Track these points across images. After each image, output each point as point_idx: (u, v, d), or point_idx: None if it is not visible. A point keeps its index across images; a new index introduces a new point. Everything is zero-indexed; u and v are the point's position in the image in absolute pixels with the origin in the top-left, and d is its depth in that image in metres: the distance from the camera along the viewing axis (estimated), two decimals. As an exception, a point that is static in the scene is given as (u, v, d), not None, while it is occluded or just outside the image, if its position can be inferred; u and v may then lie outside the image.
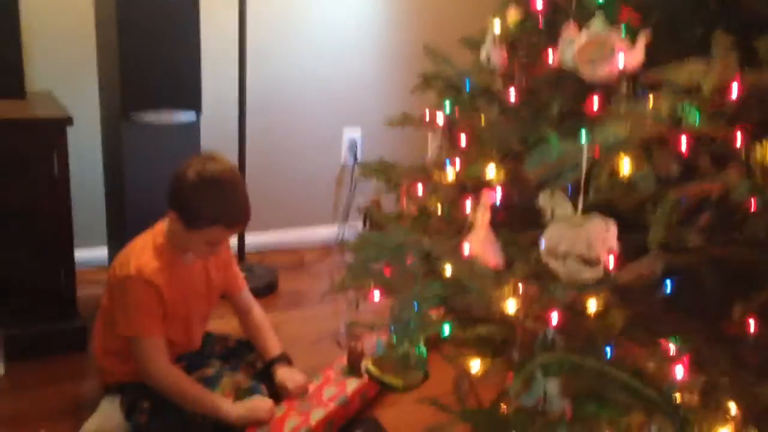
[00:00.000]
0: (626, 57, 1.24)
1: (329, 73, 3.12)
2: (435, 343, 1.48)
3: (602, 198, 1.12)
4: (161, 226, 1.88)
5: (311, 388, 2.00)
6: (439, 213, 1.54)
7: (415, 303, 1.34)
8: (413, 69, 1.77)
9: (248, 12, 2.61)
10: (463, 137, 1.56)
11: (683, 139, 1.07)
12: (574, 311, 1.15)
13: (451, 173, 1.55)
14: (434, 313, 1.38)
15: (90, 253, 2.72)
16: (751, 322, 1.09)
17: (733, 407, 1.10)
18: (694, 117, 1.09)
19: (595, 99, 1.22)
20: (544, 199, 1.19)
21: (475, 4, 2.32)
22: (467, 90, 1.65)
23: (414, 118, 1.71)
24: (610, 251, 1.13)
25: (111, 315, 1.85)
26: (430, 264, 1.37)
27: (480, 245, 1.34)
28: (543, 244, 1.18)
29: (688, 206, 1.08)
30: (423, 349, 1.50)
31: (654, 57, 1.23)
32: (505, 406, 1.33)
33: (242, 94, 2.68)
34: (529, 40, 1.56)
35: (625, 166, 1.09)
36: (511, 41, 1.61)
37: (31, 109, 2.24)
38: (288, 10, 2.96)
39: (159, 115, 2.38)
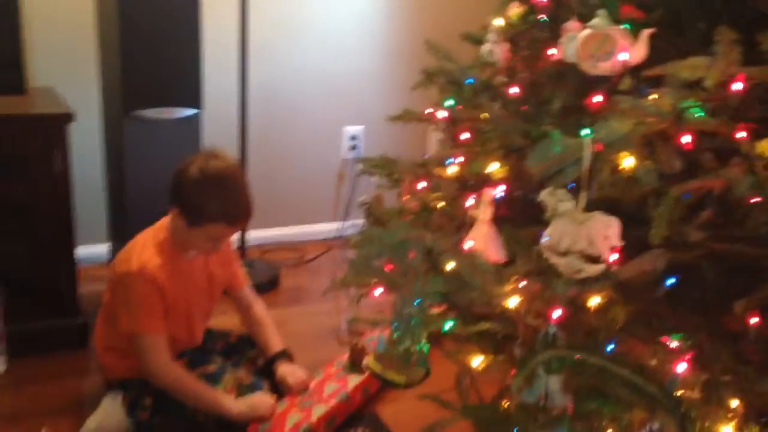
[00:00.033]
0: (629, 52, 1.24)
1: (331, 69, 3.12)
2: (436, 339, 1.48)
3: (604, 194, 1.12)
4: (163, 223, 1.88)
5: (312, 384, 2.00)
6: (441, 209, 1.54)
7: (417, 299, 1.34)
8: (415, 65, 1.77)
9: (250, 9, 2.60)
10: (465, 133, 1.56)
11: (686, 134, 1.07)
12: (575, 307, 1.15)
13: (453, 169, 1.55)
14: (436, 310, 1.38)
15: (91, 250, 2.72)
16: (753, 318, 1.09)
17: (734, 403, 1.10)
18: (696, 112, 1.09)
19: (598, 95, 1.21)
20: (546, 195, 1.19)
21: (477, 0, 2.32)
22: (469, 85, 1.65)
23: (415, 114, 1.71)
24: (612, 247, 1.13)
25: (113, 312, 1.85)
26: (432, 260, 1.37)
27: (483, 241, 1.34)
28: (545, 240, 1.18)
29: (690, 202, 1.08)
30: (425, 345, 1.49)
31: (657, 52, 1.23)
32: (506, 403, 1.33)
33: (244, 90, 2.68)
34: (531, 36, 1.56)
35: (628, 161, 1.08)
36: (513, 36, 1.61)
37: (32, 106, 2.24)
38: (290, 7, 2.96)
39: (160, 112, 2.37)
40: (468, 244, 1.34)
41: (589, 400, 1.17)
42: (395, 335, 1.42)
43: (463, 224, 1.40)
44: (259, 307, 2.10)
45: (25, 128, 2.12)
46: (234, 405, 1.81)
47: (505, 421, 1.28)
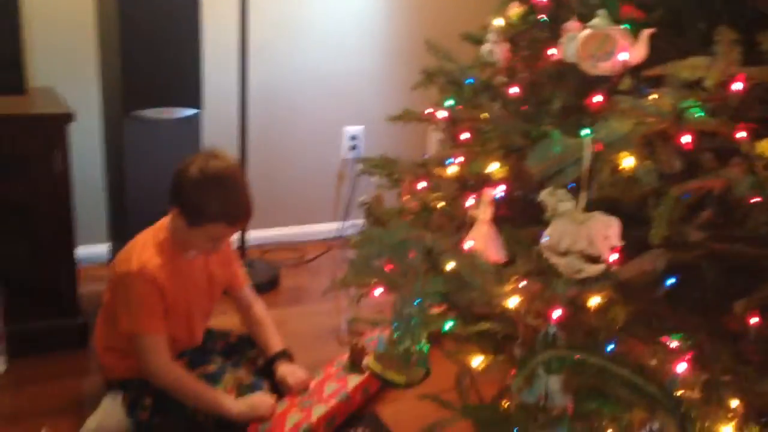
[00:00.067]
0: (629, 52, 1.24)
1: (331, 69, 3.12)
2: (437, 339, 1.48)
3: (604, 194, 1.12)
4: (163, 223, 1.88)
5: (312, 384, 2.00)
6: (441, 209, 1.54)
7: (417, 299, 1.34)
8: (415, 65, 1.77)
9: (250, 9, 2.60)
10: (465, 133, 1.56)
11: (686, 134, 1.07)
12: (575, 307, 1.15)
13: (452, 169, 1.55)
14: (436, 310, 1.38)
15: (91, 250, 2.72)
16: (753, 318, 1.09)
17: (734, 403, 1.10)
18: (696, 112, 1.09)
19: (598, 95, 1.21)
20: (546, 195, 1.19)
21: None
22: (469, 85, 1.65)
23: (415, 114, 1.71)
24: (612, 248, 1.13)
25: (113, 312, 1.85)
26: (432, 260, 1.37)
27: (483, 241, 1.34)
28: (545, 240, 1.18)
29: (690, 202, 1.08)
30: (425, 345, 1.49)
31: (657, 52, 1.23)
32: (506, 403, 1.33)
33: (244, 90, 2.68)
34: (531, 36, 1.56)
35: (627, 161, 1.08)
36: (513, 36, 1.61)
37: (32, 106, 2.24)
38: (290, 7, 2.96)
39: (160, 112, 2.37)
40: (468, 244, 1.34)
41: (589, 400, 1.17)
42: (395, 335, 1.42)
43: (463, 224, 1.40)
44: (258, 307, 2.10)
45: (25, 128, 2.12)
46: (234, 405, 1.81)
47: (505, 421, 1.28)
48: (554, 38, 1.39)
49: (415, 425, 1.48)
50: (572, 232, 1.15)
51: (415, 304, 1.33)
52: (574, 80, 1.33)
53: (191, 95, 2.42)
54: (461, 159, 1.53)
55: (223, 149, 1.89)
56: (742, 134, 1.06)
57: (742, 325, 1.09)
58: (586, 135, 1.11)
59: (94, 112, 2.65)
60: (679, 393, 1.10)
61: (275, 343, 2.03)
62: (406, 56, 3.14)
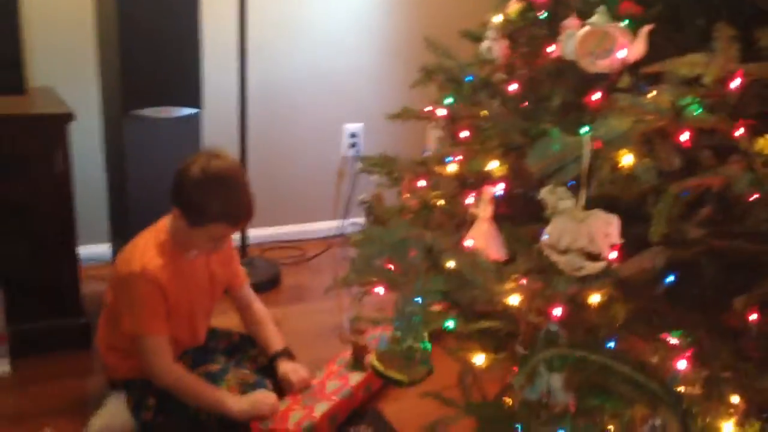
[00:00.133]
0: (627, 49, 1.24)
1: (330, 67, 3.12)
2: (438, 337, 1.48)
3: (604, 191, 1.12)
4: (164, 223, 1.88)
5: (314, 382, 2.00)
6: (441, 207, 1.54)
7: (418, 298, 1.34)
8: (414, 62, 1.76)
9: (249, 7, 2.60)
10: (464, 131, 1.56)
11: (684, 131, 1.07)
12: (576, 305, 1.16)
13: (452, 167, 1.55)
14: (437, 308, 1.38)
15: (93, 250, 2.72)
16: (753, 314, 1.09)
17: (735, 399, 1.10)
18: (695, 109, 1.09)
19: (597, 92, 1.21)
20: (545, 193, 1.19)
21: (476, -4, 2.31)
22: (468, 83, 1.65)
23: (415, 113, 1.71)
24: (612, 245, 1.13)
25: (115, 312, 1.85)
26: (433, 258, 1.37)
27: (483, 239, 1.34)
28: (545, 238, 1.18)
29: (690, 199, 1.08)
30: (427, 343, 1.50)
31: (655, 48, 1.23)
32: (509, 400, 1.33)
33: (243, 89, 2.68)
34: (530, 32, 1.56)
35: (627, 159, 1.08)
36: (511, 33, 1.61)
37: (32, 106, 2.24)
38: (289, 6, 2.96)
39: (160, 111, 2.37)
40: (468, 242, 1.34)
41: (591, 397, 1.17)
42: (397, 334, 1.42)
43: (464, 222, 1.40)
44: (258, 305, 2.11)
45: (26, 128, 2.12)
46: (235, 403, 1.81)
47: (507, 419, 1.29)
48: (553, 35, 1.39)
49: (417, 423, 1.48)
50: (572, 230, 1.15)
51: (416, 302, 1.34)
52: (573, 78, 1.33)
53: (191, 94, 2.43)
54: (461, 157, 1.53)
55: (224, 148, 1.89)
56: (740, 131, 1.06)
57: (742, 321, 1.10)
58: (586, 133, 1.11)
59: (94, 111, 2.65)
60: (680, 389, 1.11)
61: (276, 341, 2.04)
62: (405, 54, 3.13)
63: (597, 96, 1.22)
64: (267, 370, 1.99)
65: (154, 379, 1.81)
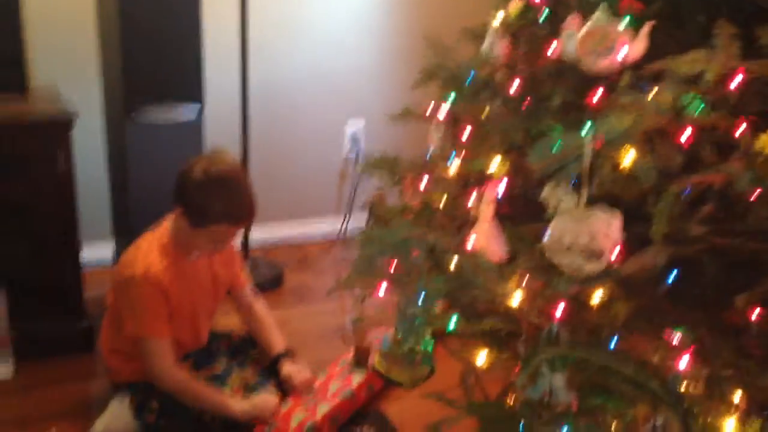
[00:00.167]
0: (628, 48, 1.24)
1: (332, 67, 3.12)
2: (441, 337, 1.48)
3: (605, 190, 1.12)
4: (165, 225, 1.88)
5: (317, 383, 2.00)
6: (443, 207, 1.54)
7: (421, 298, 1.34)
8: (415, 62, 1.76)
9: (250, 6, 2.60)
10: (466, 130, 1.56)
11: (686, 129, 1.07)
12: (578, 304, 1.15)
13: (454, 166, 1.55)
14: (439, 308, 1.38)
15: (95, 252, 2.72)
16: (755, 312, 1.09)
17: (737, 398, 1.10)
18: (696, 107, 1.08)
19: (599, 91, 1.21)
20: (547, 192, 1.19)
21: (476, -5, 2.31)
22: (469, 82, 1.65)
23: (416, 112, 1.71)
24: (613, 243, 1.13)
25: (117, 315, 1.85)
26: (435, 258, 1.37)
27: (485, 238, 1.34)
28: (547, 237, 1.18)
29: (691, 197, 1.08)
30: (429, 344, 1.50)
31: (656, 47, 1.22)
32: (511, 400, 1.33)
33: (244, 89, 2.68)
34: (531, 32, 1.56)
35: (628, 157, 1.08)
36: (513, 32, 1.60)
37: (34, 106, 2.23)
38: (289, 5, 2.95)
39: (162, 109, 2.37)
40: (470, 242, 1.34)
41: (593, 397, 1.17)
42: (399, 334, 1.42)
43: (465, 222, 1.40)
44: (260, 306, 2.11)
45: (28, 129, 2.11)
46: (237, 405, 1.81)
47: (510, 418, 1.29)
48: (554, 34, 1.39)
49: (420, 423, 1.48)
50: (574, 229, 1.15)
51: (418, 303, 1.34)
52: (574, 76, 1.33)
53: (192, 94, 2.42)
54: (462, 156, 1.53)
55: (226, 149, 1.89)
56: (741, 129, 1.06)
57: (743, 319, 1.10)
58: (587, 132, 1.11)
59: (96, 111, 2.65)
60: (681, 388, 1.10)
61: (278, 342, 2.04)
62: (406, 53, 3.13)
63: (598, 95, 1.22)
64: (271, 372, 1.99)
65: (157, 381, 1.81)
